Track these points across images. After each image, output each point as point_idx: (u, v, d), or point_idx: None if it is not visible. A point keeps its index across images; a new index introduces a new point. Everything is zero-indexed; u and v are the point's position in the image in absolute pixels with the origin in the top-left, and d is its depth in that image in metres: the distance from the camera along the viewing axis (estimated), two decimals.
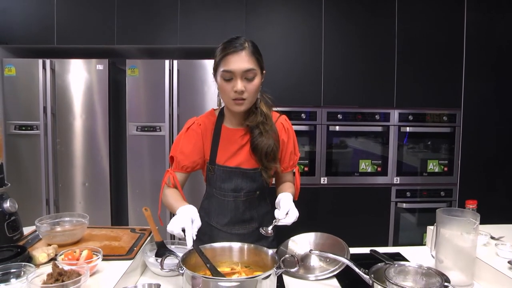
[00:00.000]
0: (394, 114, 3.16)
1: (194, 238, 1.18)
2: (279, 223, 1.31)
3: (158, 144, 3.00)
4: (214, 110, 1.58)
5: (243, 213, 1.54)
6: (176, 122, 2.96)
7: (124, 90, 3.01)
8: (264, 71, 1.44)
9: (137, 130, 3.01)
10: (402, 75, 3.13)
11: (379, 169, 3.17)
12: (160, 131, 2.99)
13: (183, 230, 1.19)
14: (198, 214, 1.27)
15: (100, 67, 2.98)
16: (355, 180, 3.17)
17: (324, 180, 3.16)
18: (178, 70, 2.95)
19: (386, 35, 3.12)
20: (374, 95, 3.15)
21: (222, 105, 1.52)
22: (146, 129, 3.00)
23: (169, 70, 2.94)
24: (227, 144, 1.50)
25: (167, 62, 2.94)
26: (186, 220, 1.21)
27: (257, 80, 1.38)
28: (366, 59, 3.14)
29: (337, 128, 3.12)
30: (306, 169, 3.14)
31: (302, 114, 3.11)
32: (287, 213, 1.33)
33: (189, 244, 1.15)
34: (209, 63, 2.92)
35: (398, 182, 3.18)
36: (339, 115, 3.13)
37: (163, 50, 3.33)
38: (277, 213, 1.33)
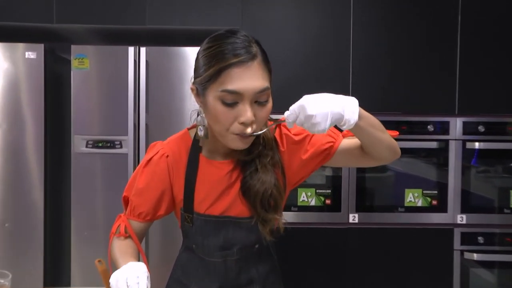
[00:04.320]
0: (456, 124, 2.67)
1: None
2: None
3: (117, 166, 2.62)
4: (189, 130, 1.35)
5: (237, 276, 1.31)
6: (144, 135, 2.59)
7: (69, 89, 2.64)
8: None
9: (87, 146, 2.65)
10: (467, 70, 2.67)
11: (434, 202, 2.66)
12: (121, 147, 2.63)
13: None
14: (146, 276, 1.05)
15: (31, 54, 2.61)
16: (398, 218, 2.66)
17: (354, 218, 2.66)
18: (146, 61, 2.59)
19: (445, 15, 2.65)
20: (426, 98, 2.66)
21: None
22: (100, 144, 2.65)
23: (134, 61, 2.59)
24: (208, 184, 1.27)
25: (131, 49, 2.58)
26: (130, 275, 1.04)
27: (270, 104, 1.17)
28: (414, 48, 2.65)
29: None
30: (328, 202, 2.64)
31: None
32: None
33: None
34: (191, 52, 2.61)
35: (464, 222, 2.67)
36: None
37: (126, 33, 2.92)
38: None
